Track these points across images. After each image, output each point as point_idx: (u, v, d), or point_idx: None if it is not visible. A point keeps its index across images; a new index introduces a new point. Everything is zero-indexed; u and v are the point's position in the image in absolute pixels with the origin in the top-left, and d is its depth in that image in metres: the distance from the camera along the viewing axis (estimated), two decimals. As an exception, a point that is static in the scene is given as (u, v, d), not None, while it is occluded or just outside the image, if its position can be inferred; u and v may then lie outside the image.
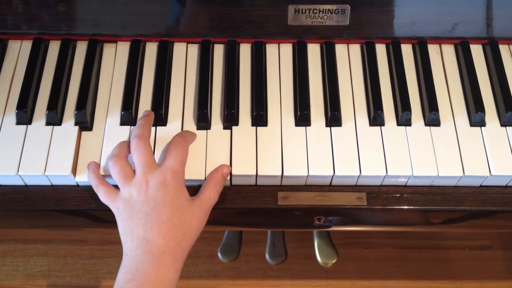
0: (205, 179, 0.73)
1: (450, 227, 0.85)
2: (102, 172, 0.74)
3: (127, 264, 0.66)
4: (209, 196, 0.72)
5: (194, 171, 0.73)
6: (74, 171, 0.74)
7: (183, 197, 0.70)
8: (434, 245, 1.49)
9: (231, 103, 0.78)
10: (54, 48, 0.84)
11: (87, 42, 0.84)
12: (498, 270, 1.46)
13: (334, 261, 1.14)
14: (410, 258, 1.47)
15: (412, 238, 1.50)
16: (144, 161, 0.70)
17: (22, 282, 1.41)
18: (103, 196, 0.71)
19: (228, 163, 0.75)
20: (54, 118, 0.77)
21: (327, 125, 0.78)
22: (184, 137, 0.73)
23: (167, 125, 0.78)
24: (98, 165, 0.74)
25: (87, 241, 1.45)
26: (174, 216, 0.68)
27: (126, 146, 0.73)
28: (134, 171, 0.71)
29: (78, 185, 0.76)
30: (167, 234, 0.67)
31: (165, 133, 0.77)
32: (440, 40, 0.85)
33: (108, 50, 0.84)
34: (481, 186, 0.77)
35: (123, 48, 0.84)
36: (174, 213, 0.68)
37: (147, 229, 0.66)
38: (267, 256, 1.16)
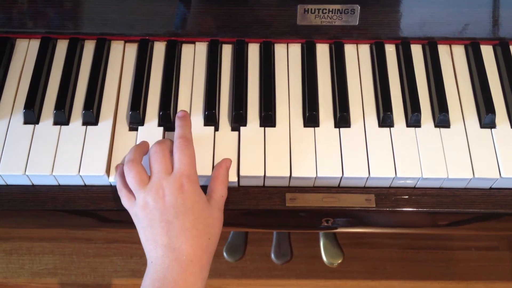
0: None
1: (458, 229, 0.85)
2: (110, 173, 0.73)
3: (154, 271, 0.65)
4: (221, 194, 0.71)
5: (201, 167, 0.73)
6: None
7: (202, 201, 0.69)
8: (440, 245, 1.49)
9: (239, 103, 0.77)
10: (62, 47, 0.83)
11: (95, 41, 0.84)
12: (505, 271, 1.46)
13: (339, 261, 1.13)
14: (416, 259, 1.47)
15: (418, 238, 1.49)
16: (161, 168, 0.69)
17: (27, 280, 1.42)
18: (125, 199, 0.71)
19: (236, 163, 0.74)
20: (62, 117, 0.76)
21: (335, 126, 0.77)
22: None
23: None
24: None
25: (93, 240, 1.46)
26: (197, 222, 0.67)
27: (140, 150, 0.73)
28: (149, 177, 0.70)
29: (85, 185, 0.76)
30: (193, 241, 0.66)
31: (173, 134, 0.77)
32: (450, 40, 0.84)
33: (116, 49, 0.84)
34: (491, 188, 0.76)
35: (131, 47, 0.84)
36: (197, 219, 0.67)
37: (172, 237, 0.66)
38: (272, 255, 1.16)
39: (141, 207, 0.68)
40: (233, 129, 0.77)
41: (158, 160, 0.70)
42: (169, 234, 0.66)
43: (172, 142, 0.73)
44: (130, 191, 0.71)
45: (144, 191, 0.68)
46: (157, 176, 0.69)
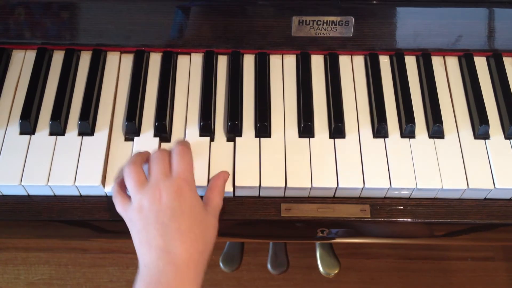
0: (207, 185, 0.73)
1: (454, 239, 0.85)
2: (105, 183, 0.73)
3: (147, 275, 0.63)
4: (217, 203, 0.71)
5: (197, 178, 0.72)
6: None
7: (199, 206, 0.68)
8: (436, 255, 1.49)
9: (234, 114, 0.78)
10: (58, 58, 0.84)
11: (91, 52, 0.84)
12: (501, 281, 1.46)
13: (336, 271, 1.13)
14: (412, 269, 1.47)
15: (414, 248, 1.49)
16: (159, 170, 0.68)
17: (23, 290, 1.41)
18: (119, 205, 0.70)
19: (231, 174, 0.75)
20: (58, 128, 0.77)
21: (330, 137, 0.78)
22: (186, 145, 0.72)
23: (171, 136, 0.78)
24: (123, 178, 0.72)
25: (88, 250, 1.45)
26: (194, 226, 0.66)
27: (141, 156, 0.72)
28: (147, 180, 0.69)
29: (81, 195, 0.76)
30: (190, 245, 0.64)
31: (168, 145, 0.77)
32: (444, 52, 0.85)
33: (112, 60, 0.84)
34: (485, 199, 0.77)
35: (127, 58, 0.84)
36: (193, 223, 0.66)
37: (168, 240, 0.64)
38: (269, 265, 1.16)
39: (136, 209, 0.67)
40: (228, 140, 0.78)
41: (157, 163, 0.69)
42: (164, 236, 0.64)
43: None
44: (125, 196, 0.70)
45: (140, 193, 0.67)
46: (155, 179, 0.68)
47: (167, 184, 0.67)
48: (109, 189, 0.74)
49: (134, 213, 0.67)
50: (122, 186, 0.71)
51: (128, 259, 1.41)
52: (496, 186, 0.74)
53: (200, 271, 0.66)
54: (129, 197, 0.70)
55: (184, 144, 0.72)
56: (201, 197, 0.72)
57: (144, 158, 0.72)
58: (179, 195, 0.66)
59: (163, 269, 0.63)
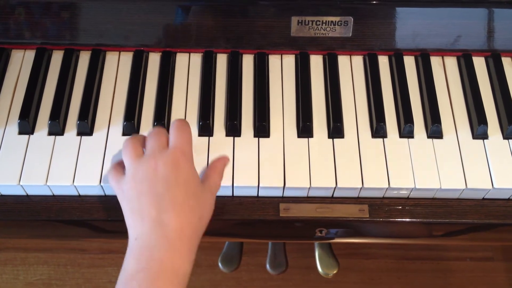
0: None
1: (452, 239, 0.85)
2: (102, 183, 0.73)
3: (138, 248, 0.60)
4: (216, 182, 0.70)
5: None
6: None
7: (196, 180, 0.66)
8: (435, 256, 1.49)
9: (233, 114, 0.78)
10: (57, 58, 0.84)
11: (90, 52, 0.84)
12: (500, 281, 1.46)
13: (335, 272, 1.13)
14: (412, 269, 1.47)
15: (414, 249, 1.50)
16: (156, 143, 0.67)
17: (22, 291, 1.41)
18: (112, 178, 0.69)
19: (230, 173, 0.74)
20: (57, 128, 0.77)
21: (329, 137, 0.78)
22: (185, 120, 0.72)
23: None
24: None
25: (87, 250, 1.45)
26: (189, 199, 0.63)
27: (141, 136, 0.72)
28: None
29: (79, 195, 0.76)
30: (184, 217, 0.62)
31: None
32: (442, 52, 0.85)
33: (111, 60, 0.84)
34: (483, 199, 0.77)
35: (126, 58, 0.84)
36: (188, 195, 0.64)
37: (161, 211, 0.61)
38: (267, 266, 1.16)
39: (130, 178, 0.65)
40: (227, 139, 0.77)
41: (154, 138, 0.68)
42: (158, 207, 0.62)
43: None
44: (120, 170, 0.69)
45: (136, 163, 0.66)
46: (152, 150, 0.66)
47: (164, 155, 0.65)
48: (107, 186, 0.74)
49: (127, 182, 0.65)
50: (118, 163, 0.70)
51: (127, 259, 1.41)
52: (495, 186, 0.74)
53: (192, 247, 0.63)
54: (124, 172, 0.68)
55: (182, 119, 0.72)
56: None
57: (144, 138, 0.71)
58: (176, 166, 0.64)
59: (155, 244, 0.60)
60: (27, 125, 0.77)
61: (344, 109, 0.80)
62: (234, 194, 0.76)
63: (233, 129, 0.77)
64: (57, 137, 0.77)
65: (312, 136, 0.78)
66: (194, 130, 0.78)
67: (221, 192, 0.74)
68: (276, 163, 0.75)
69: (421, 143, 0.77)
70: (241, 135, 0.78)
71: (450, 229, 0.81)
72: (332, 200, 0.76)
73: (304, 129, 0.77)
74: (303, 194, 0.76)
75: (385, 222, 0.76)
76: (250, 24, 0.82)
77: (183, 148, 0.67)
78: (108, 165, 0.75)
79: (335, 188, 0.74)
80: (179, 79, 0.83)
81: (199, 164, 0.74)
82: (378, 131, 0.78)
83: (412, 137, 0.78)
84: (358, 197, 0.77)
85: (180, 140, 0.67)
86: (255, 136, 0.78)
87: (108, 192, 0.75)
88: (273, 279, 1.43)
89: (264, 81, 0.82)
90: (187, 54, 0.85)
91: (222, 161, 0.73)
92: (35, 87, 0.80)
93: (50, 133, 0.77)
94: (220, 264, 1.17)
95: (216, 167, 0.72)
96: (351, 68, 0.84)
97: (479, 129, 0.78)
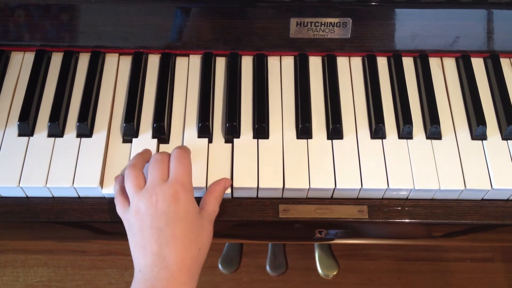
0: (206, 186, 0.73)
1: (452, 240, 0.85)
2: (103, 186, 0.73)
3: (142, 280, 0.64)
4: (214, 209, 0.71)
5: (195, 179, 0.73)
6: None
7: (195, 211, 0.69)
8: (435, 257, 1.49)
9: (232, 115, 0.78)
10: (56, 60, 0.84)
11: (90, 54, 0.84)
12: (500, 282, 1.46)
13: (335, 273, 1.13)
14: (411, 270, 1.47)
15: (413, 250, 1.50)
16: (157, 174, 0.69)
17: (22, 293, 1.41)
18: (118, 207, 0.71)
19: (229, 175, 0.75)
20: (56, 130, 0.77)
21: (328, 138, 0.78)
22: (185, 149, 0.73)
23: (169, 137, 0.78)
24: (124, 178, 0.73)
25: (87, 252, 1.45)
26: (189, 232, 0.66)
27: (142, 158, 0.73)
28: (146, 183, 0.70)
29: (79, 197, 0.76)
30: (184, 251, 0.65)
31: (167, 146, 0.77)
32: (441, 53, 0.85)
33: (111, 62, 0.85)
34: (482, 199, 0.77)
35: (126, 60, 0.85)
36: (188, 228, 0.67)
37: (162, 245, 0.65)
38: (267, 267, 1.16)
39: (133, 211, 0.68)
40: (226, 141, 0.78)
41: (156, 167, 0.70)
42: (159, 242, 0.65)
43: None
44: (125, 198, 0.71)
45: (138, 197, 0.68)
46: (152, 182, 0.68)
47: (164, 189, 0.67)
48: (107, 190, 0.74)
49: (131, 215, 0.68)
50: (123, 188, 0.72)
51: (127, 261, 1.41)
52: (494, 186, 0.74)
53: (194, 275, 0.67)
54: (129, 199, 0.70)
55: (183, 147, 0.73)
56: (198, 199, 0.72)
57: (145, 159, 0.73)
58: (175, 199, 0.67)
59: (157, 275, 0.64)
60: (26, 127, 0.77)
61: (343, 111, 0.80)
62: (234, 196, 0.76)
63: (232, 131, 0.77)
64: (57, 139, 0.77)
65: (311, 137, 0.78)
66: (193, 131, 0.78)
67: (220, 194, 0.74)
68: (276, 164, 0.75)
69: (420, 144, 0.77)
70: (241, 137, 0.78)
71: (449, 230, 0.81)
72: (331, 201, 0.77)
73: (303, 131, 0.77)
74: (302, 195, 0.76)
75: (385, 223, 0.76)
76: (249, 26, 0.82)
77: (182, 180, 0.69)
78: (107, 167, 0.75)
79: (334, 189, 0.74)
80: (179, 80, 0.83)
81: (198, 167, 0.74)
82: (377, 132, 0.78)
83: (411, 138, 0.78)
84: (357, 198, 0.77)
85: (179, 171, 0.69)
86: (254, 137, 0.78)
87: (107, 194, 0.75)
88: (273, 281, 1.43)
89: (263, 83, 0.82)
90: (187, 56, 0.85)
91: (221, 185, 0.73)
92: (34, 89, 0.80)
93: (49, 135, 0.77)
94: (220, 266, 1.17)
95: (214, 191, 0.72)
96: (350, 70, 0.85)
97: (478, 130, 0.78)
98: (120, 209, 0.71)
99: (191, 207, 0.68)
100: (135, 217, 0.67)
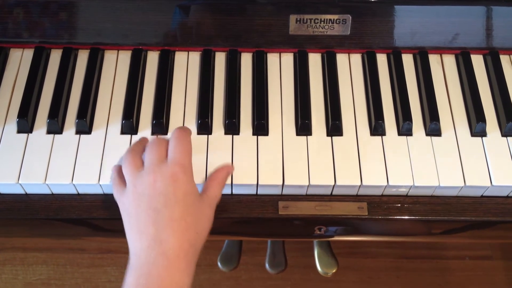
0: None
1: (451, 237, 0.85)
2: (101, 181, 0.73)
3: (138, 266, 0.62)
4: (215, 194, 0.70)
5: (194, 175, 0.72)
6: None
7: (194, 193, 0.67)
8: (434, 254, 1.49)
9: (232, 112, 0.78)
10: (55, 57, 0.84)
11: (89, 50, 0.84)
12: (499, 280, 1.46)
13: (334, 271, 1.13)
14: (411, 268, 1.47)
15: (413, 247, 1.50)
16: (155, 156, 0.67)
17: (21, 291, 1.41)
18: (115, 191, 0.69)
19: (229, 172, 0.75)
20: (55, 126, 0.77)
21: (328, 135, 0.78)
22: (184, 130, 0.72)
23: (168, 134, 0.78)
24: (120, 165, 0.72)
25: (86, 250, 1.45)
26: (187, 214, 0.64)
27: (141, 144, 0.72)
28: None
29: (78, 194, 0.76)
30: (181, 234, 0.63)
31: (166, 142, 0.77)
32: (441, 50, 0.85)
33: (110, 58, 0.84)
34: (482, 196, 0.77)
35: (125, 57, 0.84)
36: (187, 211, 0.64)
37: (159, 228, 0.62)
38: (267, 265, 1.16)
39: (130, 192, 0.66)
40: (226, 138, 0.77)
41: (153, 148, 0.68)
42: (156, 224, 0.63)
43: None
44: (123, 181, 0.69)
45: (135, 178, 0.66)
46: (150, 163, 0.67)
47: (162, 169, 0.66)
48: (105, 184, 0.74)
49: (128, 196, 0.66)
50: (121, 173, 0.70)
51: (127, 259, 1.39)
52: (493, 183, 0.74)
53: (191, 261, 0.64)
54: (126, 183, 0.69)
55: (182, 128, 0.72)
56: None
57: (143, 145, 0.72)
58: (174, 180, 0.65)
59: (154, 260, 0.61)
60: (25, 124, 0.77)
61: (342, 107, 0.80)
62: (233, 192, 0.76)
63: (232, 127, 0.77)
64: (56, 135, 0.77)
65: (310, 134, 0.78)
66: (193, 128, 0.78)
67: (220, 190, 0.74)
68: (275, 161, 0.75)
69: (420, 141, 0.77)
70: (240, 133, 0.78)
71: (449, 227, 0.81)
72: (331, 198, 0.77)
73: (303, 127, 0.77)
74: (302, 192, 0.76)
75: (384, 220, 0.76)
76: (248, 23, 0.82)
77: (182, 161, 0.67)
78: (106, 163, 0.75)
79: (334, 186, 0.74)
80: (178, 77, 0.83)
81: (198, 164, 0.74)
82: (377, 129, 0.78)
83: (411, 135, 0.78)
84: (357, 195, 0.77)
85: (179, 152, 0.68)
86: (253, 134, 0.78)
87: (107, 191, 0.75)
88: (272, 278, 1.43)
89: (263, 80, 0.82)
90: (186, 53, 0.85)
91: (224, 171, 0.72)
92: (33, 85, 0.80)
93: (48, 132, 0.77)
94: (219, 263, 1.17)
95: (217, 177, 0.71)
96: (349, 66, 0.85)
97: (477, 127, 0.78)
98: (116, 192, 0.69)
99: (190, 189, 0.66)
100: (132, 197, 0.65)
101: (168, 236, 0.62)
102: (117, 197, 0.69)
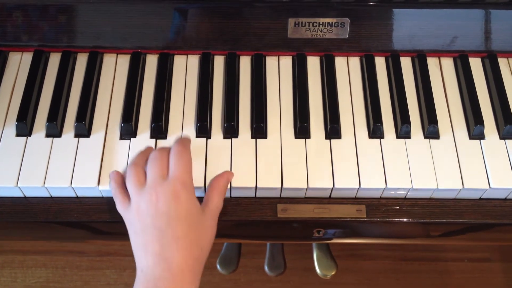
0: (204, 186, 0.73)
1: (450, 239, 0.85)
2: (100, 184, 0.73)
3: (144, 281, 0.64)
4: (217, 204, 0.71)
5: (193, 179, 0.72)
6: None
7: (196, 209, 0.68)
8: (433, 257, 1.49)
9: (231, 115, 0.78)
10: (54, 60, 0.84)
11: (88, 54, 0.84)
12: (497, 282, 1.46)
13: (333, 273, 1.14)
14: (409, 270, 1.47)
15: (411, 250, 1.50)
16: (156, 172, 0.69)
17: (20, 294, 1.41)
18: (118, 204, 0.70)
19: (228, 175, 0.75)
20: (54, 130, 0.77)
21: (326, 138, 0.78)
22: (184, 145, 0.72)
23: (167, 137, 0.78)
24: (119, 173, 0.73)
25: (85, 253, 1.45)
26: (190, 231, 0.66)
27: (144, 156, 0.73)
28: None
29: (77, 197, 0.76)
30: (185, 251, 0.65)
31: (165, 146, 0.77)
32: (439, 53, 0.85)
33: (109, 62, 0.85)
34: (480, 199, 0.77)
35: (124, 60, 0.85)
36: (190, 228, 0.66)
37: (164, 246, 0.64)
38: (266, 268, 1.16)
39: (134, 210, 0.67)
40: (224, 141, 0.78)
41: (155, 164, 0.69)
42: (160, 242, 0.65)
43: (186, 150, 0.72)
44: (126, 195, 0.70)
45: (138, 195, 0.68)
46: (152, 180, 0.68)
47: (164, 187, 0.67)
48: (104, 187, 0.74)
49: (132, 214, 0.68)
50: (123, 185, 0.71)
51: (126, 262, 1.41)
52: (491, 186, 0.74)
53: (196, 276, 0.66)
54: (129, 197, 0.70)
55: (182, 143, 0.72)
56: (200, 198, 0.72)
57: (147, 157, 0.73)
58: (176, 198, 0.66)
59: (159, 276, 0.64)
60: (24, 127, 0.77)
61: (341, 110, 0.80)
62: (232, 195, 0.76)
63: (230, 130, 0.77)
64: (55, 139, 0.77)
65: (309, 137, 0.78)
66: (192, 131, 0.78)
67: (219, 193, 0.74)
68: (274, 164, 0.75)
69: (418, 144, 0.78)
70: (239, 136, 0.78)
71: (447, 229, 0.81)
72: (329, 200, 0.77)
73: (301, 130, 0.77)
74: (300, 194, 0.76)
75: (383, 222, 0.76)
76: (246, 26, 0.82)
77: (183, 177, 0.68)
78: (105, 167, 0.75)
79: (332, 188, 0.74)
80: (177, 80, 0.83)
81: (197, 167, 0.74)
82: (375, 131, 0.78)
83: (409, 137, 0.78)
84: (355, 198, 0.77)
85: (179, 168, 0.69)
86: (252, 137, 0.78)
87: (106, 194, 0.75)
88: (271, 281, 1.43)
89: (261, 83, 0.82)
90: (185, 56, 0.85)
91: (224, 178, 0.72)
92: (32, 89, 0.80)
93: (47, 135, 0.77)
94: (218, 266, 1.17)
95: (217, 186, 0.72)
96: (348, 69, 0.85)
97: (475, 130, 0.78)
98: (120, 207, 0.70)
99: (192, 205, 0.68)
100: (136, 217, 0.67)
101: (172, 253, 0.64)
102: (121, 211, 0.70)
